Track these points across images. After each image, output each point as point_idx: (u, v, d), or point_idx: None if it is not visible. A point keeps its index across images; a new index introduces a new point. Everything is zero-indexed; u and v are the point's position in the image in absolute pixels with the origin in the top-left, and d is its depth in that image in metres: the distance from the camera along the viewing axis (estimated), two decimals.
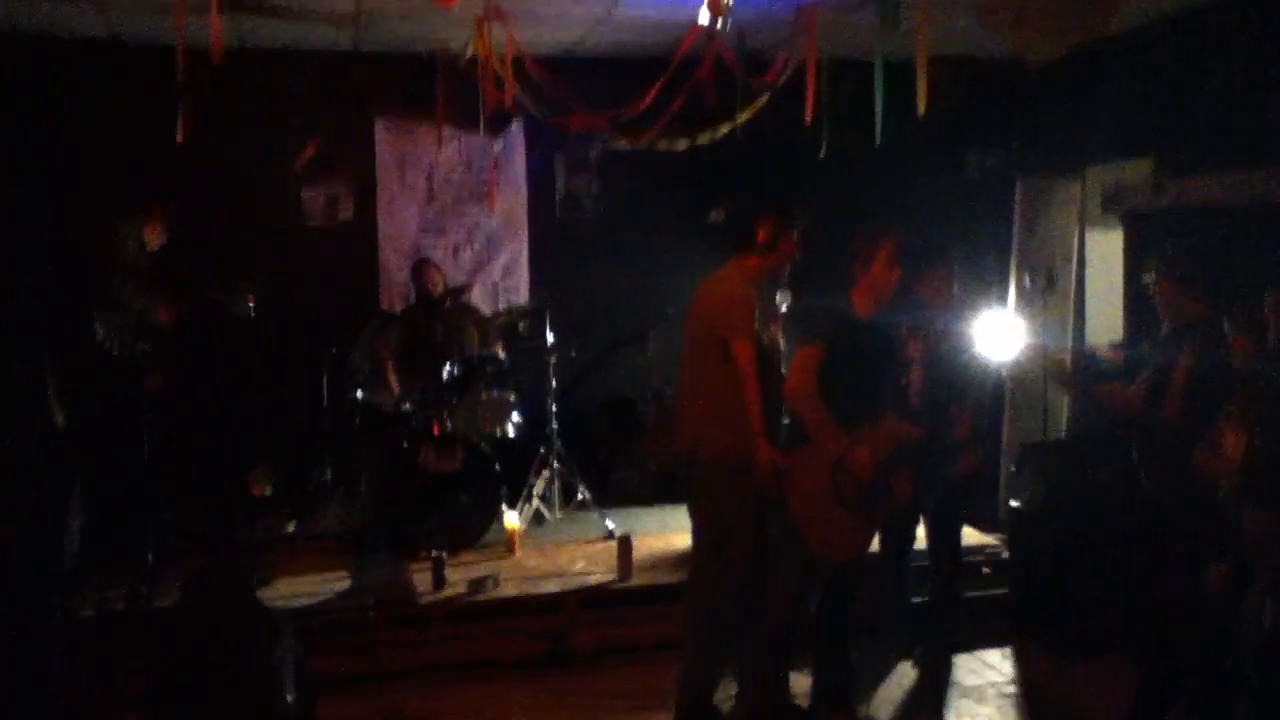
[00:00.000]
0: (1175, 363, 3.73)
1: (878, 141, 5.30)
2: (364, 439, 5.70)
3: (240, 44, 5.97)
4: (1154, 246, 5.54)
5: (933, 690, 4.33)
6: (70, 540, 4.63)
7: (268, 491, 5.94)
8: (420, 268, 6.25)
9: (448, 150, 6.80)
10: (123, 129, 6.02)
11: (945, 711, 3.88)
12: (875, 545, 4.13)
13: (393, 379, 5.95)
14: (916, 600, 4.55)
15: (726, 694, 4.10)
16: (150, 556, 4.93)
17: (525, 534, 5.59)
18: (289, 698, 4.04)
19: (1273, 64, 4.92)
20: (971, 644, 4.74)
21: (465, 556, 5.28)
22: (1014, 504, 5.19)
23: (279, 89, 6.35)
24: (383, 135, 6.75)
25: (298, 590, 4.85)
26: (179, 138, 4.94)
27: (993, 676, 4.57)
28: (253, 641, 4.11)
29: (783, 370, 4.02)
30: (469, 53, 5.50)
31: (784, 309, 5.23)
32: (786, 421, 3.99)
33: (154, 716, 4.00)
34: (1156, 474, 3.85)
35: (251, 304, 5.66)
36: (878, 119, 5.30)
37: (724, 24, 5.11)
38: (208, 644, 4.10)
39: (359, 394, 5.80)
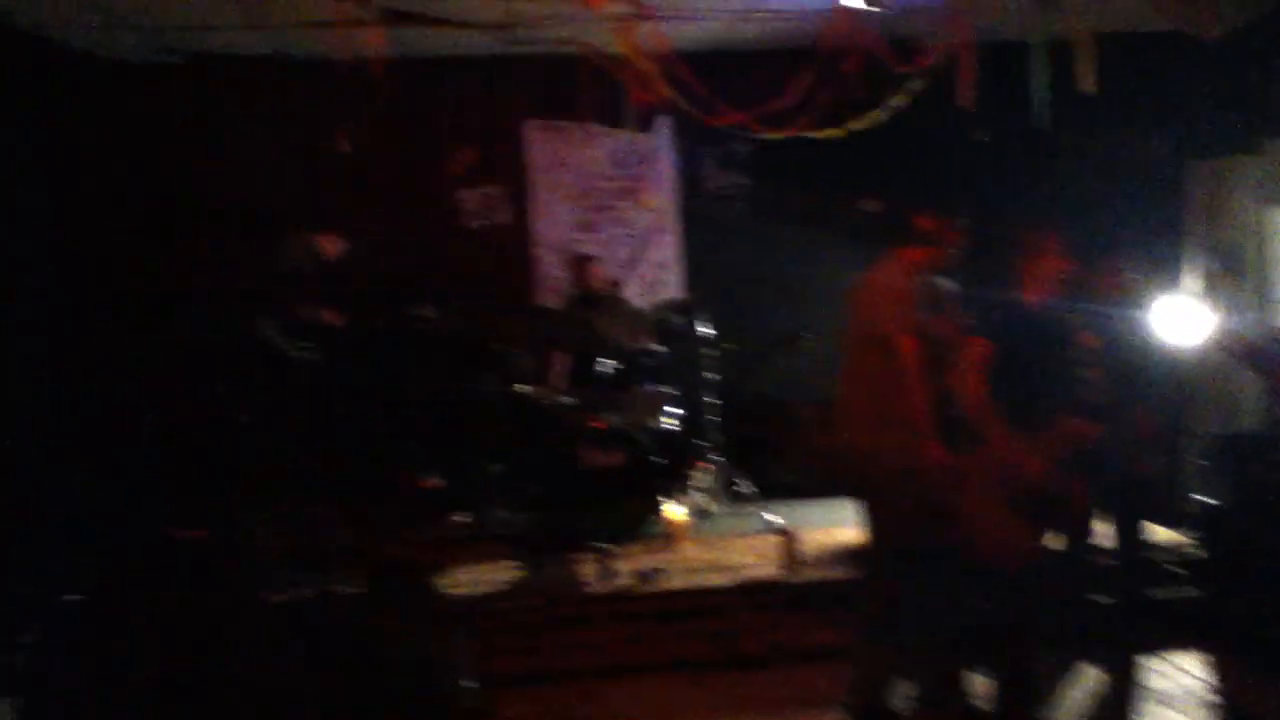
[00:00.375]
0: None
1: (1038, 125, 5.17)
2: (526, 435, 5.85)
3: (399, 54, 6.19)
4: None
5: (1119, 695, 4.21)
6: (262, 536, 4.95)
7: (438, 484, 6.16)
8: (579, 264, 6.39)
9: (597, 149, 6.92)
10: (290, 143, 6.33)
11: (1132, 716, 3.76)
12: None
13: (551, 374, 6.11)
14: (1101, 601, 4.43)
15: (903, 694, 4.08)
16: (331, 549, 5.17)
17: (687, 528, 5.65)
18: (466, 692, 4.22)
19: None
20: (1163, 647, 4.56)
21: (629, 550, 5.39)
22: (1206, 501, 4.96)
23: (435, 96, 6.57)
24: (534, 136, 6.91)
25: (469, 584, 5.03)
26: (342, 148, 5.15)
27: (1187, 681, 4.40)
28: (432, 634, 4.31)
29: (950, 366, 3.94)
30: (615, 52, 5.58)
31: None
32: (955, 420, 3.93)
33: (337, 703, 4.22)
34: None
35: (429, 311, 5.87)
36: (1037, 102, 5.16)
37: (871, 9, 5.06)
38: (387, 635, 4.32)
39: (520, 390, 5.95)
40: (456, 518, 5.96)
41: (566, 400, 5.78)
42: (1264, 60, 5.71)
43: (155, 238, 6.20)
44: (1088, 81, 4.96)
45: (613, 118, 6.44)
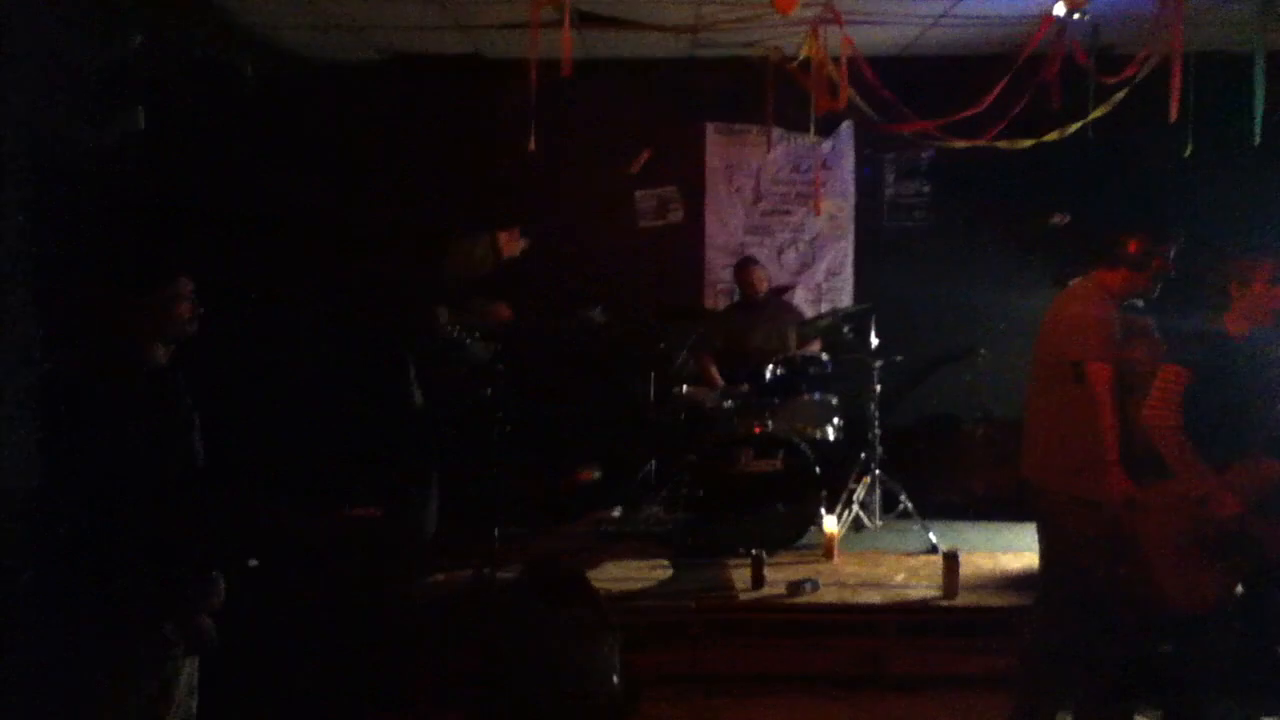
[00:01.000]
0: None
1: (1256, 141, 4.82)
2: (687, 436, 5.87)
3: (586, 55, 6.31)
4: None
5: None
6: (429, 520, 5.11)
7: (595, 476, 6.24)
8: (744, 267, 6.36)
9: (776, 153, 6.87)
10: (479, 140, 6.53)
11: None
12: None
13: (714, 377, 6.10)
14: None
15: None
16: (495, 538, 5.31)
17: (843, 540, 5.55)
18: (613, 688, 4.25)
19: None
20: None
21: (782, 558, 5.33)
22: None
23: (619, 97, 6.66)
24: (713, 139, 6.92)
25: (620, 581, 5.06)
26: (531, 146, 5.27)
27: None
28: (581, 627, 4.36)
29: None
30: (802, 55, 5.51)
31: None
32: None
33: (486, 696, 4.32)
34: None
35: (599, 312, 5.95)
36: (1256, 118, 4.81)
37: (1079, 16, 4.84)
38: (543, 627, 4.39)
39: (683, 391, 5.97)
40: (611, 514, 6.03)
41: (728, 404, 5.75)
42: None
43: (353, 234, 6.50)
44: None
45: (794, 121, 6.36)
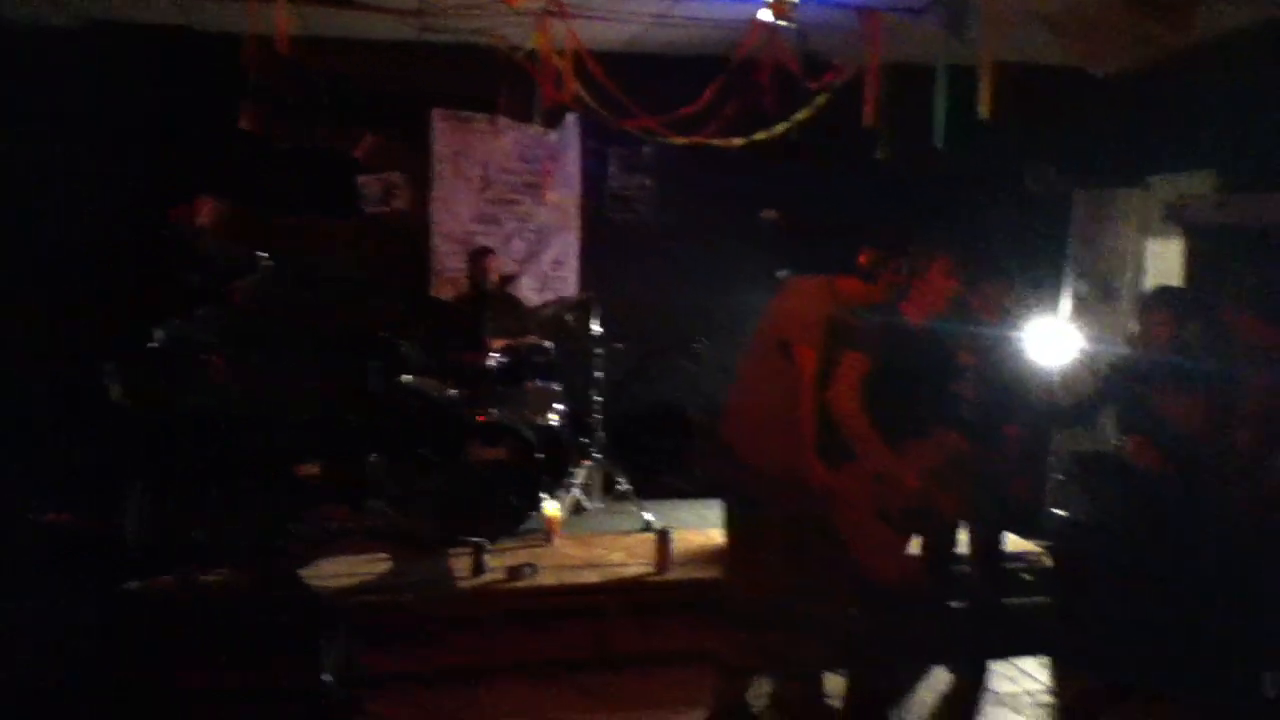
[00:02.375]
0: (1249, 389, 3.67)
1: (938, 145, 5.26)
2: (412, 428, 5.74)
3: (306, 33, 6.05)
4: (1215, 260, 5.46)
5: (967, 698, 4.30)
6: (133, 524, 4.76)
7: (315, 471, 6.00)
8: (479, 256, 6.30)
9: (503, 142, 6.86)
10: (191, 115, 6.13)
11: (971, 710, 3.83)
12: None
13: (439, 367, 6.01)
14: (955, 606, 4.52)
15: (761, 692, 4.09)
16: (202, 541, 5.00)
17: (564, 524, 5.61)
18: (332, 690, 4.11)
19: None
20: (1010, 651, 4.69)
21: (506, 544, 5.32)
22: (1060, 514, 5.14)
23: (342, 77, 6.44)
24: (440, 125, 6.82)
25: (339, 578, 4.89)
26: (243, 124, 5.01)
27: (1029, 685, 4.52)
28: (302, 629, 4.19)
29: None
30: (529, 46, 5.53)
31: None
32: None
33: (208, 698, 4.08)
34: (1214, 501, 3.78)
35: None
36: (937, 124, 5.27)
37: (786, 24, 5.11)
38: (258, 631, 4.19)
39: (408, 382, 5.84)
40: (334, 509, 5.82)
41: (453, 393, 5.68)
42: (1150, 101, 5.93)
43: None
44: (987, 108, 5.07)
45: (522, 112, 6.37)
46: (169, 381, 5.33)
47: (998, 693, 4.43)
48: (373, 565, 5.08)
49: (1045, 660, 4.72)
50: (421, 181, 6.82)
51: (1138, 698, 4.30)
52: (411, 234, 6.80)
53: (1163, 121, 5.94)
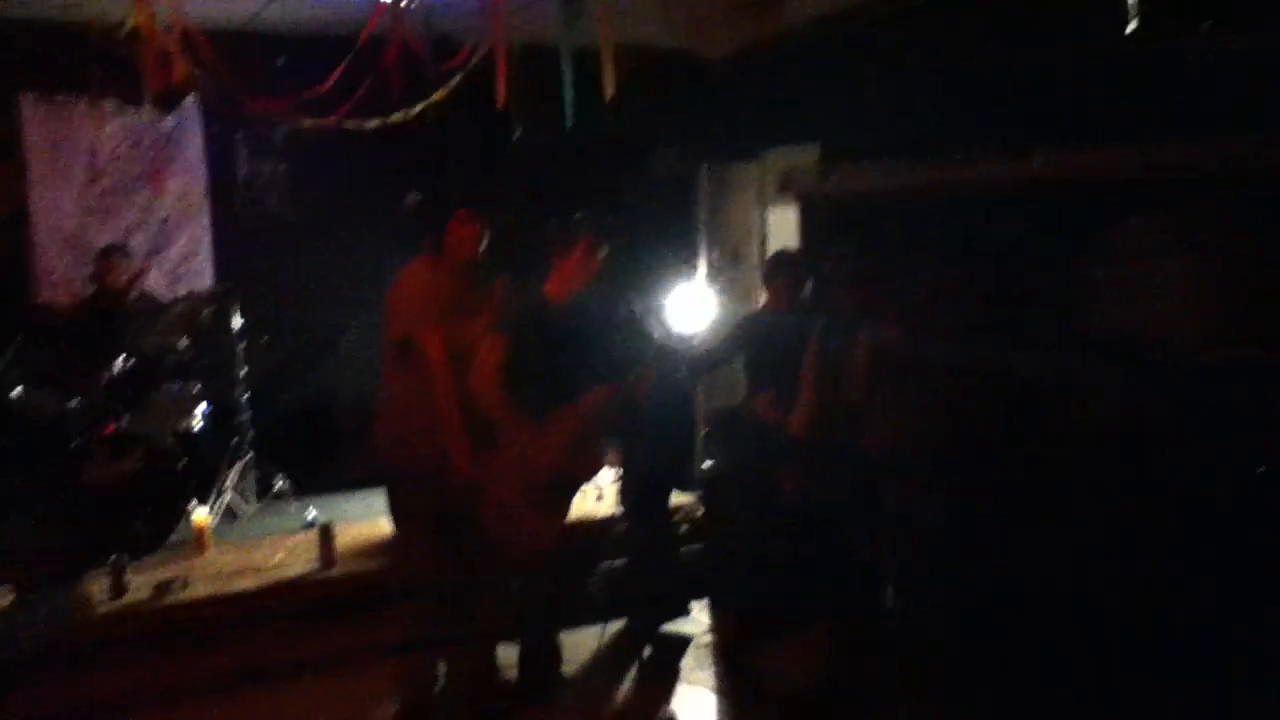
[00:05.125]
0: (854, 347, 4.09)
1: (566, 126, 5.42)
2: (21, 451, 5.15)
3: None
4: (823, 226, 6.04)
5: (632, 645, 4.53)
6: None
7: None
8: (105, 255, 5.75)
9: (110, 128, 6.26)
10: None
11: (644, 661, 4.05)
12: None
13: (55, 378, 5.45)
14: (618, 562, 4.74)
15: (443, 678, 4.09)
16: None
17: (217, 530, 5.31)
18: None
19: (919, 64, 5.45)
20: (676, 600, 4.95)
21: (152, 561, 4.95)
22: (704, 466, 5.52)
23: None
24: (30, 112, 6.11)
25: None
26: None
27: (691, 628, 4.83)
28: None
29: None
30: (129, 25, 5.10)
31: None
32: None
33: None
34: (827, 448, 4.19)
35: None
36: (566, 105, 5.42)
37: (409, 4, 5.06)
38: None
39: (10, 397, 5.23)
40: None
41: (71, 406, 5.17)
42: (755, 80, 6.45)
43: None
44: (610, 89, 5.29)
45: (128, 95, 5.86)
46: None
47: (667, 638, 4.68)
48: None
49: (704, 604, 5.05)
50: (14, 176, 6.10)
51: (785, 625, 4.74)
52: (7, 233, 6.08)
53: (769, 100, 6.46)
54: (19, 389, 5.26)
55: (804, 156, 6.28)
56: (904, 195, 5.29)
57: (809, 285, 4.95)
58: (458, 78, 5.59)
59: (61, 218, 6.20)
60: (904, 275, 4.38)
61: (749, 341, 4.85)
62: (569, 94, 5.47)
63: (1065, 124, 4.45)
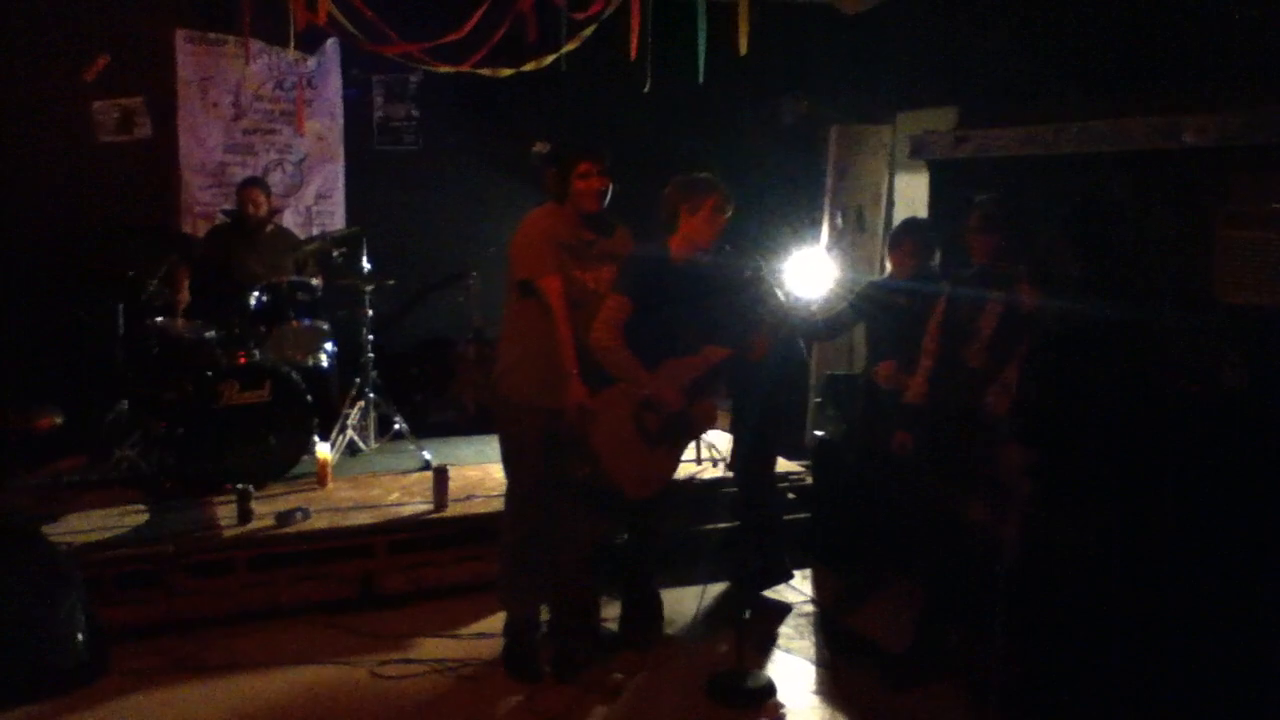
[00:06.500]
0: (983, 310, 3.96)
1: (699, 79, 5.36)
2: (163, 372, 5.40)
3: None
4: (954, 191, 5.84)
5: (732, 608, 4.52)
6: None
7: (57, 422, 5.57)
8: (246, 187, 5.92)
9: (256, 67, 6.44)
10: None
11: (743, 625, 4.04)
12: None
13: (190, 305, 5.69)
14: (727, 526, 4.72)
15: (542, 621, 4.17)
16: None
17: (338, 466, 5.47)
18: (77, 648, 3.89)
19: (1065, 26, 5.19)
20: (777, 566, 4.92)
21: (275, 489, 5.14)
22: (818, 434, 5.45)
23: None
24: (184, 48, 6.34)
25: (86, 533, 4.57)
26: None
27: (791, 596, 4.81)
28: (36, 588, 3.92)
29: None
30: None
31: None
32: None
33: None
34: (949, 414, 4.08)
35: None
36: (699, 57, 5.35)
37: None
38: None
39: (154, 322, 5.48)
40: (76, 461, 5.43)
41: (209, 334, 5.38)
42: (893, 38, 6.24)
43: None
44: (743, 44, 5.20)
45: (275, 35, 6.01)
46: None
47: (762, 604, 4.67)
48: (124, 519, 4.79)
49: (807, 574, 5.01)
50: (166, 108, 6.35)
51: (888, 589, 4.68)
52: (156, 165, 6.34)
53: (906, 60, 6.26)
54: (161, 318, 5.51)
55: (939, 120, 6.08)
56: (1046, 164, 5.07)
57: (937, 254, 4.80)
58: (591, 28, 5.57)
59: (206, 153, 6.44)
60: (1041, 244, 4.20)
61: (871, 309, 4.74)
62: (703, 47, 5.40)
63: (1214, 87, 4.23)
